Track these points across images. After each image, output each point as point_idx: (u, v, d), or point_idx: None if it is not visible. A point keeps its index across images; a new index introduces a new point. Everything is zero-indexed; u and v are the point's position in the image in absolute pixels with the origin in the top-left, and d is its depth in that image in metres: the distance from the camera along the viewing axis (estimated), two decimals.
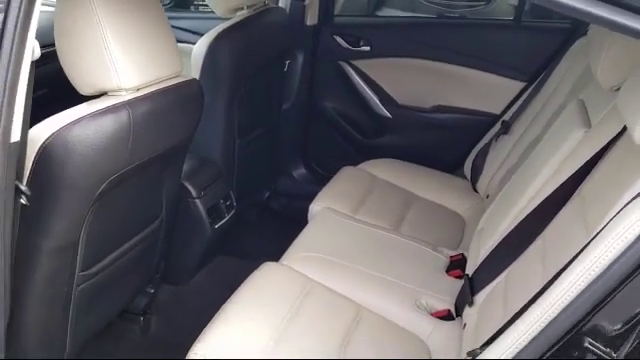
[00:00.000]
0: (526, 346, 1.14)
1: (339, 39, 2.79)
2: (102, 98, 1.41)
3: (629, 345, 1.00)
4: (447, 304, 1.76)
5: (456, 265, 1.96)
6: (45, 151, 1.26)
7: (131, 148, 1.42)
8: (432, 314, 1.74)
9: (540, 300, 1.15)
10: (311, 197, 2.27)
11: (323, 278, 1.77)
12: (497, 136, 2.44)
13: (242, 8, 2.29)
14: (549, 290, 1.14)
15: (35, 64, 1.18)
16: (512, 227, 1.66)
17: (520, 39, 2.67)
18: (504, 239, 1.66)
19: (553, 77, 2.27)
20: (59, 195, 1.32)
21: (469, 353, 1.37)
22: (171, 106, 1.57)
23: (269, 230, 2.71)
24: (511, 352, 1.17)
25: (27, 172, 1.27)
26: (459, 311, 1.70)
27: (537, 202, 1.60)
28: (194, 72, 2.10)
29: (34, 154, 1.26)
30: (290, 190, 2.90)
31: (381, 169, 2.52)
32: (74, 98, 1.38)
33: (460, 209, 2.38)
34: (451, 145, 2.73)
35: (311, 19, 2.72)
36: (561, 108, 1.97)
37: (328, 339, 1.55)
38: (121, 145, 1.39)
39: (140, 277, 1.89)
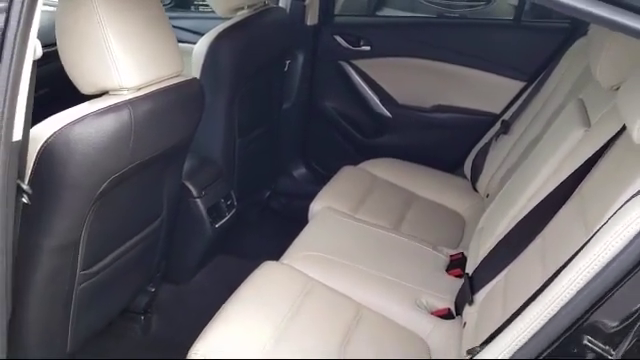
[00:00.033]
0: (525, 344, 1.14)
1: (339, 39, 2.79)
2: (103, 97, 1.41)
3: (628, 343, 1.00)
4: (447, 303, 1.76)
5: (456, 264, 1.96)
6: (47, 150, 1.27)
7: (132, 147, 1.42)
8: (432, 313, 1.74)
9: (539, 298, 1.16)
10: (311, 196, 2.27)
11: (323, 277, 1.77)
12: (497, 136, 2.45)
13: (242, 8, 2.29)
14: (548, 288, 1.14)
15: (37, 63, 1.18)
16: (512, 226, 1.66)
17: (520, 39, 2.67)
18: (504, 238, 1.67)
19: (553, 77, 2.27)
20: (60, 194, 1.33)
21: (469, 351, 1.37)
22: (172, 105, 1.58)
23: (269, 229, 2.71)
24: (511, 350, 1.17)
25: (29, 171, 1.27)
26: (459, 310, 1.71)
27: (537, 201, 1.60)
28: (195, 72, 2.10)
29: (36, 153, 1.27)
30: (290, 189, 2.90)
31: (381, 168, 2.52)
32: (75, 97, 1.39)
33: (460, 208, 2.38)
34: (451, 145, 2.73)
35: (311, 19, 2.72)
36: (561, 107, 1.97)
37: (328, 338, 1.55)
38: (122, 144, 1.39)
39: (141, 276, 1.90)
